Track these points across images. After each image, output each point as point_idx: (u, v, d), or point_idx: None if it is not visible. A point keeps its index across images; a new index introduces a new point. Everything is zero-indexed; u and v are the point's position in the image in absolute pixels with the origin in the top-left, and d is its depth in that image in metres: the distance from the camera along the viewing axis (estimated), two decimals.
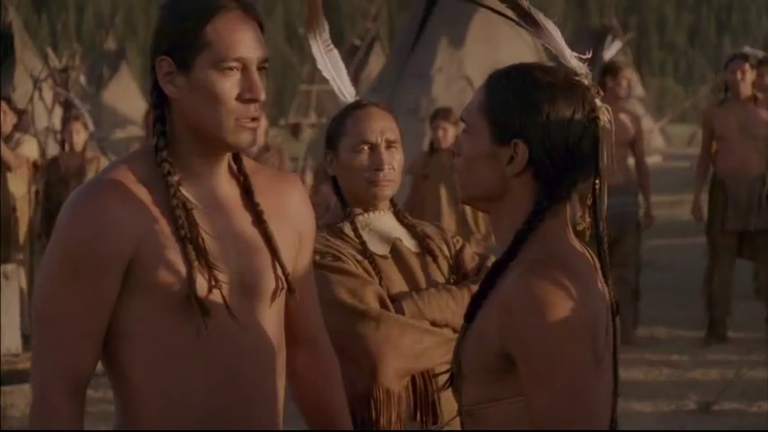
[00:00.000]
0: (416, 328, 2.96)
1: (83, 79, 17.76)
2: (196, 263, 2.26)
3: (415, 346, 2.94)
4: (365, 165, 3.01)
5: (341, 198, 3.08)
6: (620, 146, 8.54)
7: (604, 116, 2.12)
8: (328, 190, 7.46)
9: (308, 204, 2.53)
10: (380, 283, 3.00)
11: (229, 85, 2.26)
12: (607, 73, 8.65)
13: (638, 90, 30.38)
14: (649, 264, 10.56)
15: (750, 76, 8.37)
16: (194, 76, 2.27)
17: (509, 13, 2.16)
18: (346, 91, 3.17)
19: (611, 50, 14.62)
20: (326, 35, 3.16)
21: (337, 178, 3.08)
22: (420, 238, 3.11)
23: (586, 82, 2.13)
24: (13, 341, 7.75)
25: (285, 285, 2.39)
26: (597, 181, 2.14)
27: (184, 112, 2.30)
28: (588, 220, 2.17)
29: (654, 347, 8.41)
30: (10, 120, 8.87)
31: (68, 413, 2.27)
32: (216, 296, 2.28)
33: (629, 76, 8.66)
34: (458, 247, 3.16)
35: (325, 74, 3.20)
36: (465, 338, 2.13)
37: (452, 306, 3.00)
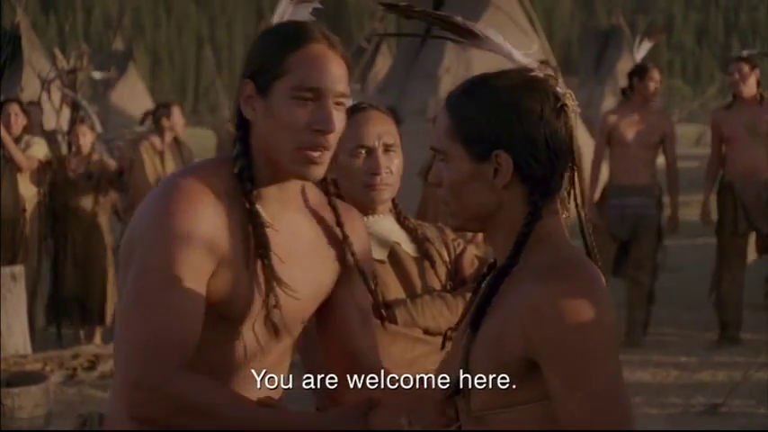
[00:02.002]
0: (408, 336, 2.95)
1: (97, 75, 17.78)
2: (258, 283, 2.29)
3: (406, 354, 2.92)
4: (363, 169, 3.01)
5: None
6: (648, 147, 8.45)
7: (570, 101, 2.10)
8: None
9: (363, 239, 2.55)
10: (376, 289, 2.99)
11: (301, 114, 2.28)
12: (635, 74, 8.50)
13: None
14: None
15: (751, 76, 8.33)
16: (271, 102, 2.29)
17: (448, 34, 2.16)
18: None
19: (641, 51, 14.44)
20: None
21: (337, 181, 3.08)
22: (420, 242, 3.10)
23: (542, 75, 2.11)
24: (21, 342, 7.75)
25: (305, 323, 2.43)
26: (574, 167, 2.12)
27: (260, 135, 2.32)
28: (571, 208, 2.15)
29: (662, 349, 8.39)
30: (21, 121, 8.88)
31: (215, 383, 2.24)
32: (260, 318, 2.31)
33: (658, 77, 8.53)
34: (458, 250, 3.14)
35: None
36: (473, 346, 2.09)
37: (446, 314, 2.99)
